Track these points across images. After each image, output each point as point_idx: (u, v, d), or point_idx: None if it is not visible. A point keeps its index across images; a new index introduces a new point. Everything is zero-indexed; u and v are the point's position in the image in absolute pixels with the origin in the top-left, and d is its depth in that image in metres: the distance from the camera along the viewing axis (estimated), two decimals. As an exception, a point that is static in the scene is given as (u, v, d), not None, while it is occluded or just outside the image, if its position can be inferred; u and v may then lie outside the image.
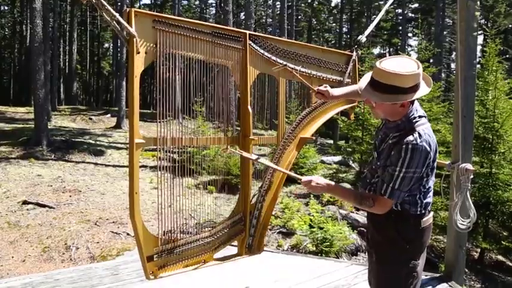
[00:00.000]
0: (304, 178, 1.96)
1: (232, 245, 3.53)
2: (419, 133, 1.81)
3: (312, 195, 7.90)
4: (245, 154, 2.53)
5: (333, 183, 1.99)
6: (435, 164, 1.91)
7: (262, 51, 3.20)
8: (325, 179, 1.97)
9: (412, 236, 1.93)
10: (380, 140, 2.01)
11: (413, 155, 1.78)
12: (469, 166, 3.25)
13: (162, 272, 2.77)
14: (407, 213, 1.92)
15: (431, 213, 2.03)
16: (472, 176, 3.25)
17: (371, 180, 2.02)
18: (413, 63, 1.82)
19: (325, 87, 2.56)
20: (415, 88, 1.80)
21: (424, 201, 1.94)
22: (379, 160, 1.96)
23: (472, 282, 6.63)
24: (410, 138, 1.80)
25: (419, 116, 1.89)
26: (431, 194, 1.99)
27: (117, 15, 2.37)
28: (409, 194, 1.89)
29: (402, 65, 1.80)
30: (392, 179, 1.83)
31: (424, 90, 1.86)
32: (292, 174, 2.22)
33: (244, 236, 3.31)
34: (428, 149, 1.81)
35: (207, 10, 36.40)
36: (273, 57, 3.27)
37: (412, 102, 1.89)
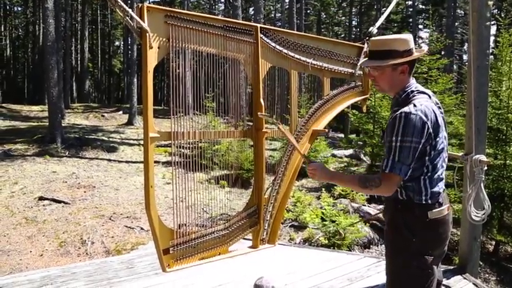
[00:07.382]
0: (311, 164, 2.04)
1: (246, 238, 3.56)
2: (414, 104, 1.81)
3: (323, 189, 7.90)
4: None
5: (335, 171, 2.09)
6: (439, 144, 1.85)
7: (273, 44, 3.21)
8: (327, 168, 2.05)
9: (418, 227, 1.85)
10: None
11: (406, 123, 1.75)
12: (483, 157, 3.20)
13: (178, 264, 2.81)
14: (411, 202, 1.85)
15: (445, 206, 1.90)
16: (485, 168, 3.20)
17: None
18: (404, 35, 1.98)
19: None
20: (410, 52, 1.91)
21: (430, 190, 1.85)
22: (383, 139, 1.93)
23: (487, 275, 6.56)
24: (405, 109, 1.79)
25: (418, 92, 1.91)
26: (441, 184, 1.89)
27: (130, 10, 2.40)
28: (412, 178, 1.82)
29: (393, 35, 2.01)
30: (391, 151, 1.78)
31: (419, 51, 1.99)
32: (305, 156, 2.30)
33: (258, 229, 3.33)
34: (425, 118, 1.77)
35: (216, 6, 36.39)
36: (285, 50, 3.28)
37: (410, 72, 1.94)
